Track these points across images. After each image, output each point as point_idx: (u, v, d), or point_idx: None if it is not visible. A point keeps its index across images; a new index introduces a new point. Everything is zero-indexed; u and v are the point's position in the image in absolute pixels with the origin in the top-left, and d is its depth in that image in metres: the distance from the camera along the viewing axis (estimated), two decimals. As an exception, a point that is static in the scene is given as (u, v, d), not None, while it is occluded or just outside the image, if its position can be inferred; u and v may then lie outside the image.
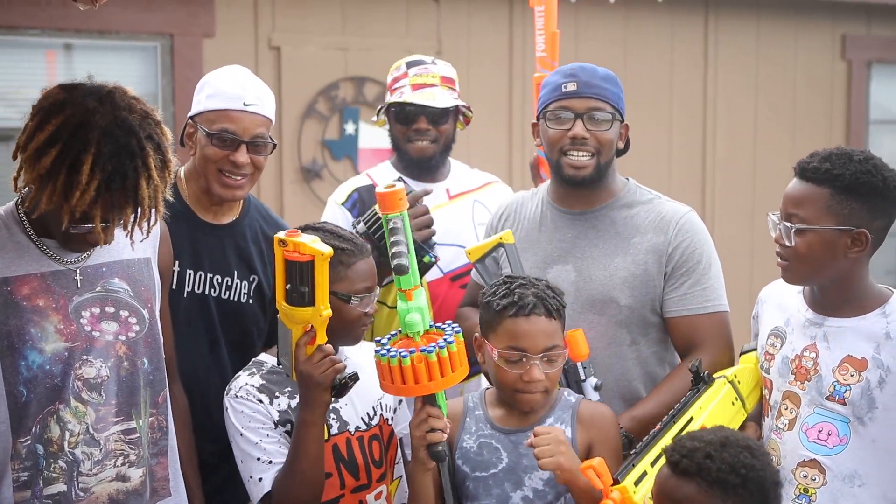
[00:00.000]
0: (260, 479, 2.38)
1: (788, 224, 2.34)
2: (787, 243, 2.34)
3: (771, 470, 2.09)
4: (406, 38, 5.91)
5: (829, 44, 7.25)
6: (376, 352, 2.24)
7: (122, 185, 2.02)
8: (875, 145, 7.50)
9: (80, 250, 2.19)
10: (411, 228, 2.66)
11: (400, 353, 2.19)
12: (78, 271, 2.19)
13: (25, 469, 2.12)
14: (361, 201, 3.17)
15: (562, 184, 2.74)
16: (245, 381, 2.44)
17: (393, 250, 2.18)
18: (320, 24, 5.77)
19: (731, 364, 2.66)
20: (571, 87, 2.65)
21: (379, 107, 3.29)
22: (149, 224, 2.13)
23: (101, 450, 2.18)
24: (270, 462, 2.38)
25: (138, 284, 2.29)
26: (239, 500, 2.58)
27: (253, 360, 2.53)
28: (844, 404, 2.33)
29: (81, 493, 2.17)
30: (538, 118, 2.76)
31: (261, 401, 2.41)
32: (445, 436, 2.27)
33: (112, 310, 2.22)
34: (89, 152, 1.99)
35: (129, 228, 2.10)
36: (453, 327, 2.27)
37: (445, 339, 2.22)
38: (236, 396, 2.42)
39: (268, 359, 2.51)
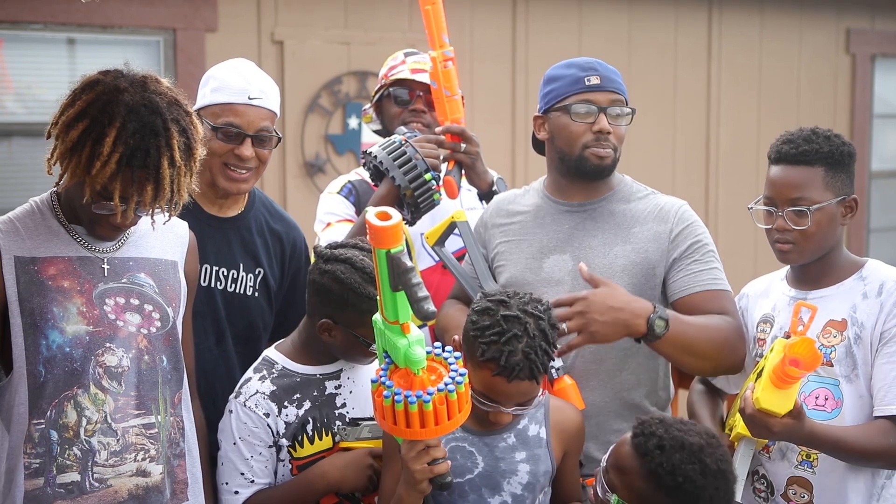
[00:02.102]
0: (236, 493, 2.40)
1: (801, 208, 2.47)
2: (797, 227, 2.47)
3: (714, 493, 2.04)
4: (409, 32, 5.90)
5: (833, 38, 7.24)
6: (384, 395, 2.00)
7: (144, 162, 2.06)
8: (879, 139, 7.50)
9: (106, 236, 2.22)
10: (420, 154, 2.79)
11: (419, 395, 1.96)
12: (105, 260, 2.24)
13: (38, 455, 2.14)
14: (355, 190, 3.18)
15: (577, 178, 2.73)
16: (256, 388, 2.41)
17: (420, 294, 1.87)
18: (323, 18, 5.77)
19: None
20: (595, 80, 2.64)
21: (376, 88, 3.28)
22: (171, 207, 2.15)
23: (118, 441, 2.18)
24: (253, 481, 2.40)
25: (164, 283, 2.31)
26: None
27: (263, 356, 2.51)
28: (832, 366, 2.46)
29: (96, 484, 2.17)
30: (547, 111, 2.73)
31: (268, 413, 2.39)
32: (449, 463, 2.10)
33: (136, 302, 2.25)
34: (114, 126, 2.05)
35: (150, 209, 2.12)
36: (458, 373, 2.02)
37: (454, 379, 2.00)
38: (244, 405, 2.40)
39: (278, 358, 2.47)
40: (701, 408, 2.76)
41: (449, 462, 2.09)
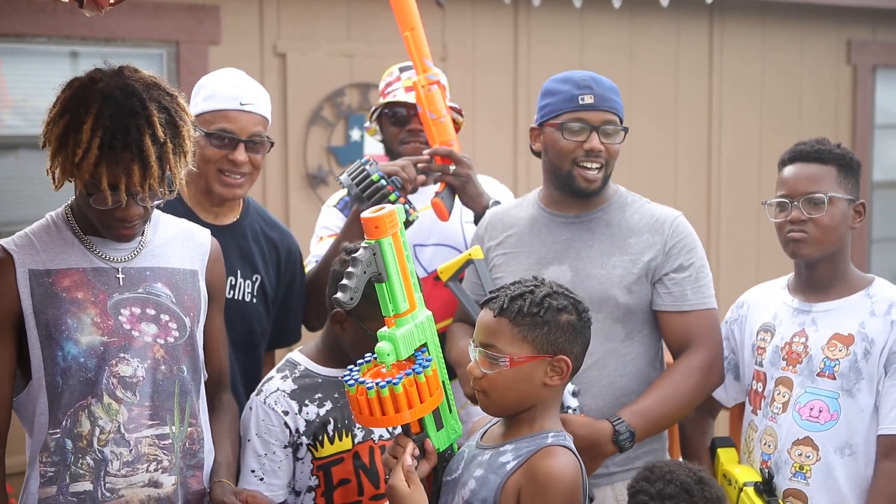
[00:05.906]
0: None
1: (819, 194, 2.52)
2: (811, 216, 2.52)
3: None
4: (411, 44, 5.91)
5: (834, 48, 7.26)
6: (344, 380, 2.09)
7: (125, 142, 2.07)
8: (880, 150, 7.50)
9: (120, 235, 2.23)
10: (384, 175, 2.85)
11: (366, 383, 2.04)
12: (120, 270, 2.25)
13: (53, 464, 2.16)
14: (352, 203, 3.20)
15: (568, 193, 2.76)
16: (277, 386, 2.46)
17: (342, 282, 2.00)
18: (326, 30, 5.78)
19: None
20: (589, 99, 2.67)
21: (372, 109, 3.30)
22: (164, 186, 2.16)
23: (130, 451, 2.19)
24: (262, 479, 2.42)
25: (182, 293, 2.32)
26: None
27: (286, 358, 2.56)
28: (834, 378, 2.49)
29: (108, 494, 2.18)
30: (541, 124, 2.76)
31: (286, 412, 2.42)
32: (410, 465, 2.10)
33: (153, 312, 2.26)
34: (90, 114, 2.07)
35: (143, 191, 2.12)
36: (423, 360, 2.10)
37: (413, 369, 2.06)
38: (264, 402, 2.44)
39: (301, 359, 2.52)
40: (692, 429, 2.91)
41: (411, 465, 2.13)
